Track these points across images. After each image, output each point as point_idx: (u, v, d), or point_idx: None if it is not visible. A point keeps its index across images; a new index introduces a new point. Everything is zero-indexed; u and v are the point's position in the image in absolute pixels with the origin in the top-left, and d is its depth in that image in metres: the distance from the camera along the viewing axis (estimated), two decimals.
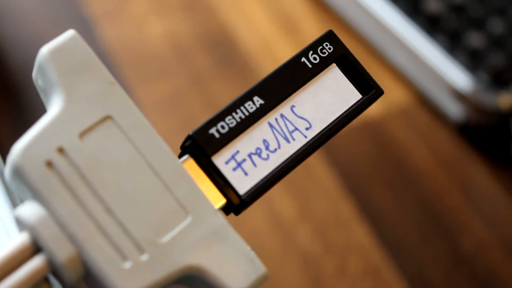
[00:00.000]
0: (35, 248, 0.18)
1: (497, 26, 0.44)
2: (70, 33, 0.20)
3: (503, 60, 0.43)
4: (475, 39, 0.43)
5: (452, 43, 0.43)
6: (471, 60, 0.43)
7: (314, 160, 0.42)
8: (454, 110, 0.43)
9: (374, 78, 0.22)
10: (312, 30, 0.47)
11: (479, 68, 0.42)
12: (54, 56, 0.19)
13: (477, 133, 0.44)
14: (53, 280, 0.19)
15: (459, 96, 0.42)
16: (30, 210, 0.18)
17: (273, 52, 0.46)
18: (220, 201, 0.20)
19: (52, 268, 0.18)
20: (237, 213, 0.21)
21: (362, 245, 0.40)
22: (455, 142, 0.43)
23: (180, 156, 0.20)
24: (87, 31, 0.46)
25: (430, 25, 0.44)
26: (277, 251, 0.39)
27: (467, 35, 0.44)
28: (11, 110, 0.41)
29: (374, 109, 0.44)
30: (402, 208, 0.41)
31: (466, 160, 0.43)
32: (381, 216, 0.41)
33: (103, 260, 0.18)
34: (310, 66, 0.22)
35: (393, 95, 0.45)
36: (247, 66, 0.45)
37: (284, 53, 0.46)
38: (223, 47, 0.46)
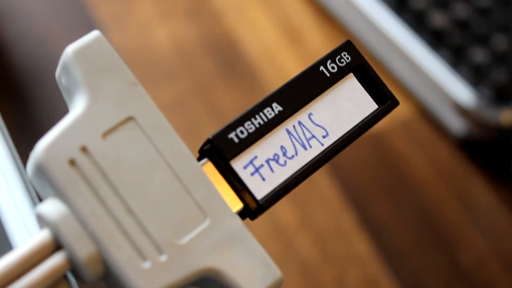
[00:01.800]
0: (55, 245, 0.18)
1: (500, 42, 0.45)
2: (94, 33, 0.20)
3: (506, 76, 0.43)
4: (478, 55, 0.44)
5: (456, 58, 0.44)
6: (474, 76, 0.43)
7: None
8: (455, 124, 0.43)
9: (389, 89, 0.23)
10: (316, 40, 0.47)
11: (482, 83, 0.43)
12: (79, 56, 0.19)
13: (478, 148, 0.44)
14: (71, 278, 0.19)
15: (461, 110, 0.43)
16: (52, 207, 0.18)
17: (277, 59, 0.46)
18: (238, 205, 0.21)
19: (72, 266, 0.18)
20: (253, 217, 0.21)
21: (361, 255, 0.40)
22: (456, 156, 0.44)
23: (198, 159, 0.21)
24: None
25: (434, 39, 0.44)
26: (277, 259, 0.39)
27: (471, 50, 0.44)
28: (16, 110, 0.41)
29: None
30: (401, 219, 0.41)
31: (466, 174, 0.43)
32: (380, 227, 0.41)
33: (122, 259, 0.18)
34: (328, 75, 0.22)
35: (395, 108, 0.45)
36: (251, 73, 0.46)
37: (287, 61, 0.46)
38: (227, 53, 0.46)
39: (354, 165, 0.43)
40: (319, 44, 0.47)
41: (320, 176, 0.42)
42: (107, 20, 0.47)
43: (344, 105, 0.22)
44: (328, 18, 0.49)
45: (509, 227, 0.42)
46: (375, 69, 0.45)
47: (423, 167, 0.43)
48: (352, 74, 0.22)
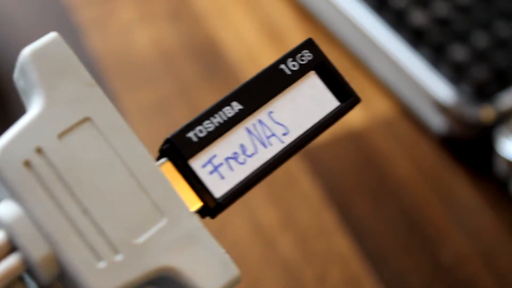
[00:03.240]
0: (10, 246, 0.18)
1: (481, 39, 0.45)
2: (52, 35, 0.20)
3: (486, 73, 0.43)
4: (459, 52, 0.44)
5: (436, 55, 0.44)
6: (455, 73, 0.43)
7: (297, 169, 0.42)
8: (437, 122, 0.43)
9: (353, 87, 0.23)
10: (298, 40, 0.47)
11: (462, 80, 0.43)
12: (36, 58, 0.20)
13: (459, 145, 0.44)
14: (28, 279, 0.19)
15: (442, 108, 0.43)
16: (7, 209, 0.18)
17: (259, 61, 0.47)
18: (196, 204, 0.21)
19: (27, 267, 0.18)
20: (213, 216, 0.21)
21: (343, 254, 0.40)
22: (438, 154, 0.44)
23: (158, 159, 0.21)
24: (75, 38, 0.46)
25: (415, 37, 0.44)
26: (258, 260, 0.39)
27: (451, 48, 0.44)
28: None
29: (358, 120, 0.45)
30: (383, 218, 0.42)
31: (448, 172, 0.43)
32: (362, 226, 0.41)
33: (77, 259, 0.18)
34: (289, 73, 0.22)
35: (376, 107, 0.45)
36: (233, 75, 0.46)
37: (269, 62, 0.46)
38: (209, 56, 0.47)
39: (335, 165, 0.43)
40: None
41: (301, 175, 0.42)
42: (88, 24, 0.47)
43: (305, 103, 0.22)
44: (309, 18, 0.49)
45: (490, 224, 0.42)
46: (356, 68, 0.45)
47: (405, 165, 0.43)
48: (313, 72, 0.23)
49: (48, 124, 0.19)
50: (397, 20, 0.45)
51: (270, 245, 0.40)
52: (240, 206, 0.41)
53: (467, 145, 0.44)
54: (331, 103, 0.22)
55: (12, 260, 0.18)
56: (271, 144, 0.21)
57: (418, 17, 0.45)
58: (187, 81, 0.45)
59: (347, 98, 0.23)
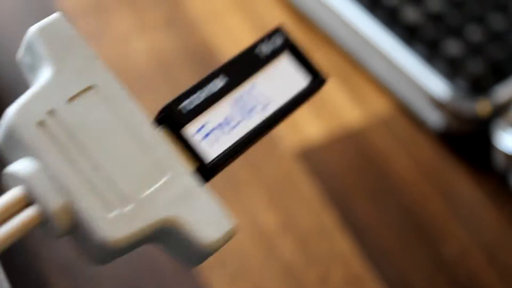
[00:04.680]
0: (27, 201, 0.22)
1: (474, 33, 0.48)
2: (56, 15, 0.25)
3: (481, 67, 0.47)
4: (453, 47, 0.47)
5: (430, 51, 0.47)
6: (450, 68, 0.47)
7: (296, 171, 0.46)
8: (434, 118, 0.47)
9: (319, 66, 0.29)
10: None
11: (458, 75, 0.46)
12: (44, 33, 0.24)
13: (457, 140, 0.47)
14: None
15: (438, 104, 0.46)
16: (23, 165, 0.23)
17: None
18: (192, 166, 0.25)
19: (43, 219, 0.22)
20: (206, 180, 0.25)
21: (344, 255, 0.43)
22: (436, 150, 0.47)
23: None
24: None
25: (408, 34, 0.48)
26: (260, 264, 0.42)
27: (445, 43, 0.48)
28: None
29: (355, 119, 0.48)
30: (384, 217, 0.44)
31: (447, 168, 0.47)
32: (363, 226, 0.44)
33: (91, 209, 0.22)
34: (264, 54, 0.28)
35: (373, 105, 0.49)
36: None
37: None
38: (206, 62, 0.50)
39: (334, 165, 0.47)
40: None
41: (300, 177, 0.45)
42: (84, 36, 0.50)
43: (281, 80, 0.28)
44: (303, 20, 0.52)
45: (491, 218, 0.45)
46: (351, 68, 0.49)
47: (404, 162, 0.47)
48: (286, 53, 0.28)
49: (59, 90, 0.24)
50: (390, 18, 0.49)
51: (271, 249, 0.43)
52: (239, 210, 0.44)
53: (465, 140, 0.47)
54: (304, 80, 0.28)
55: (29, 212, 0.22)
56: (254, 115, 0.27)
57: (410, 14, 0.49)
58: (185, 88, 0.49)
59: (316, 76, 0.29)
